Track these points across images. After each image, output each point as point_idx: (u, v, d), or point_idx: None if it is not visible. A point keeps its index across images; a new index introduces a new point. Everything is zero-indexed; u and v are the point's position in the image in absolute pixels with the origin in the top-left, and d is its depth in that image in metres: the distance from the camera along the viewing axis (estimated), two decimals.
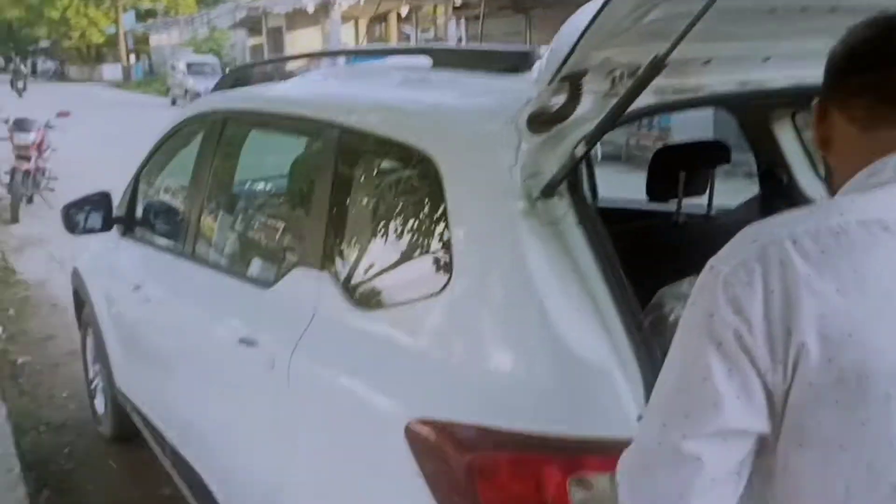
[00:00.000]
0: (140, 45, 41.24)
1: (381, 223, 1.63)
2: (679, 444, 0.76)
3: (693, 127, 7.78)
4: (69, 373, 4.40)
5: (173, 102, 25.57)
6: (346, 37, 23.65)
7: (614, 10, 1.04)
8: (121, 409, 3.36)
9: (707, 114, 7.59)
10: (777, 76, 1.48)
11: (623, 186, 3.85)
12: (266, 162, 2.71)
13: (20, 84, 26.84)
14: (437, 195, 1.39)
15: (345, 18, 23.22)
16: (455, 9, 15.91)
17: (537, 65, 1.48)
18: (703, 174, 2.14)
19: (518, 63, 1.51)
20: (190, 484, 2.45)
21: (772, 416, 0.76)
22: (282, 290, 1.79)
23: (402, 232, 1.57)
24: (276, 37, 27.11)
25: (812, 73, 1.51)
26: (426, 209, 1.49)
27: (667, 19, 1.09)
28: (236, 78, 2.58)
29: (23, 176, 8.18)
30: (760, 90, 1.49)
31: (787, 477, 0.78)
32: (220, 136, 2.34)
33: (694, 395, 0.76)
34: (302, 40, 24.93)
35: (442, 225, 1.38)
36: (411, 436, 1.28)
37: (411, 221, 1.57)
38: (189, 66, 25.71)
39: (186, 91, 24.81)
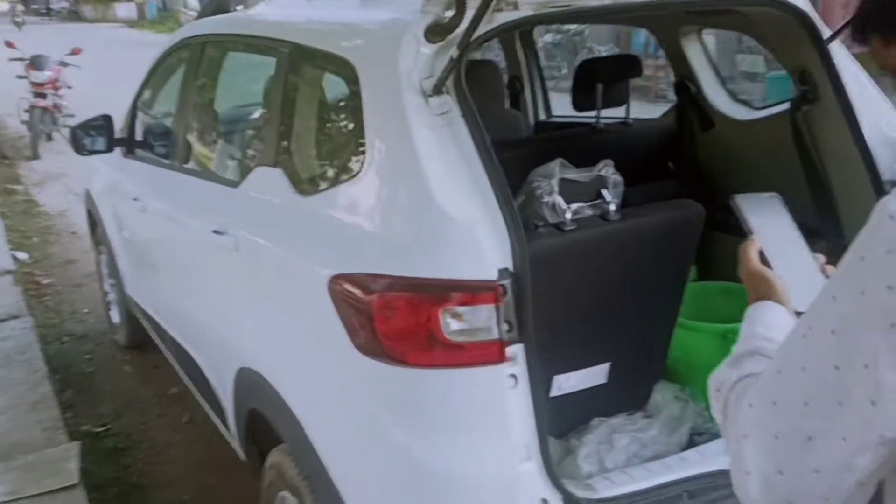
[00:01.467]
0: None
1: (318, 123, 2.04)
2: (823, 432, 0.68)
3: None
4: (89, 292, 4.98)
5: None
6: None
7: None
8: (133, 319, 3.88)
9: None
10: None
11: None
12: (240, 80, 3.12)
13: (19, 19, 28.73)
14: (356, 96, 1.79)
15: None
16: None
17: None
18: (620, 86, 2.48)
19: None
20: (188, 370, 2.94)
21: None
22: (246, 187, 2.23)
23: (332, 129, 1.99)
24: None
25: None
26: (349, 109, 1.90)
27: None
28: (217, 6, 2.96)
29: (41, 113, 8.71)
30: (621, 4, 1.83)
31: None
32: (201, 58, 2.75)
33: (849, 382, 0.67)
34: None
35: (359, 120, 1.78)
36: (331, 287, 1.72)
37: (339, 120, 1.98)
38: (201, 1, 25.97)
39: None
